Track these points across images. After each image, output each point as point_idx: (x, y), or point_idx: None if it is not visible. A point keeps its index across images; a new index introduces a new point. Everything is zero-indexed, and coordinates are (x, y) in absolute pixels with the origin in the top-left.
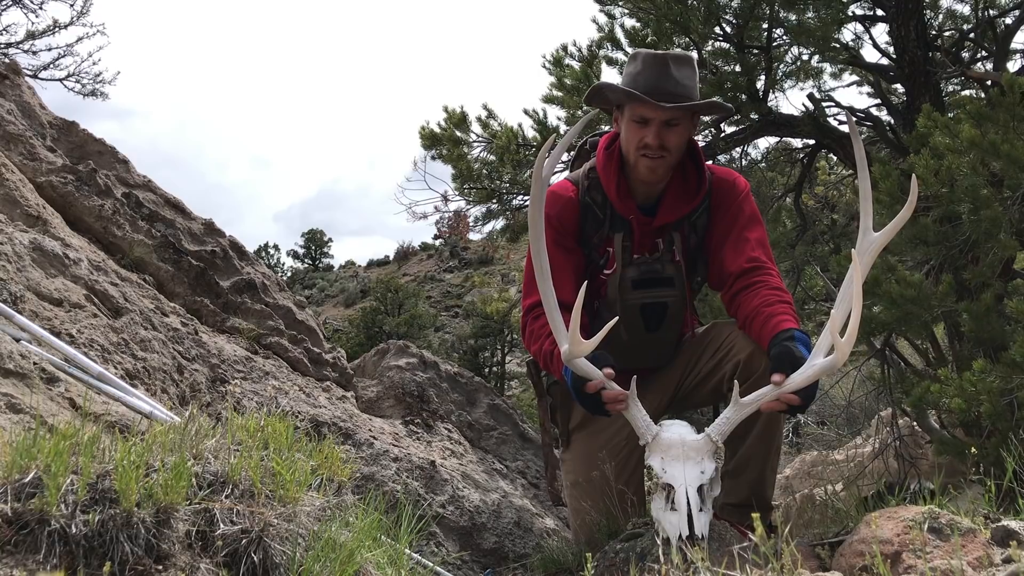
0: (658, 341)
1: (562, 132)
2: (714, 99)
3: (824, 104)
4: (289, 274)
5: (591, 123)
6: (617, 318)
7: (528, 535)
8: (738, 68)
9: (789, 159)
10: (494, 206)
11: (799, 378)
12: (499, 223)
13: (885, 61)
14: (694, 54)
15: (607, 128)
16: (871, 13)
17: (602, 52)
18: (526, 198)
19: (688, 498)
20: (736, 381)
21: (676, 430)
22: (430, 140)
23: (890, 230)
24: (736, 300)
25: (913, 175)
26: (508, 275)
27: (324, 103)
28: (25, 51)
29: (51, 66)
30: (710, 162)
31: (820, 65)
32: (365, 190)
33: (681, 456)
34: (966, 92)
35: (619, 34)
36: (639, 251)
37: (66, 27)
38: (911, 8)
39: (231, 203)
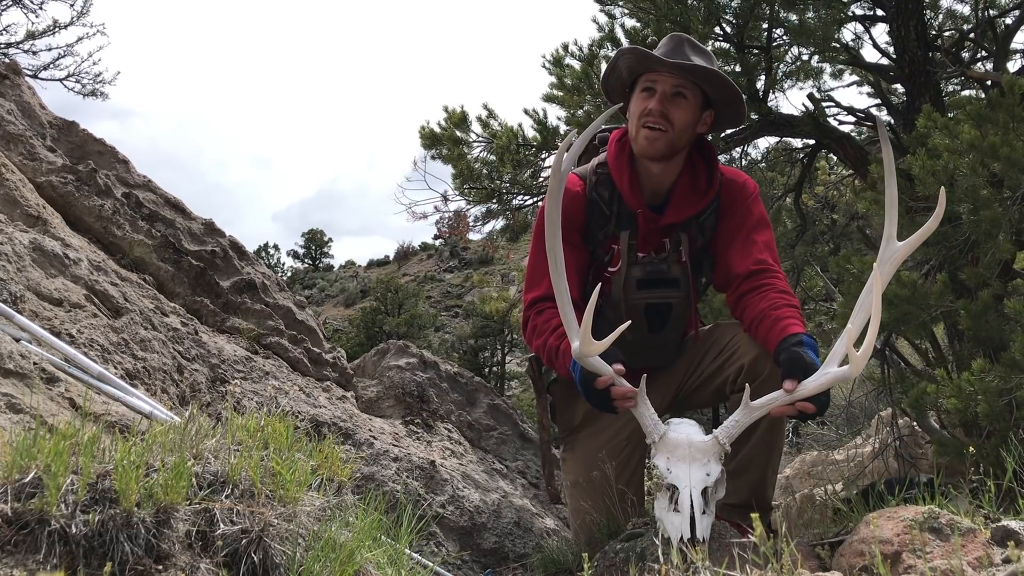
0: (661, 342)
1: (562, 132)
2: (722, 74)
3: (824, 104)
4: (289, 274)
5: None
6: (629, 322)
7: (528, 535)
8: (738, 68)
9: (789, 159)
10: (494, 206)
11: (811, 385)
12: (499, 223)
13: (885, 61)
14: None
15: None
16: (871, 13)
17: (602, 52)
18: (526, 198)
19: (692, 500)
20: (748, 385)
21: (684, 430)
22: (430, 140)
23: (915, 240)
24: (742, 302)
25: (942, 188)
26: (508, 275)
27: (323, 103)
28: (25, 51)
29: (51, 66)
30: None
31: (820, 65)
32: (364, 190)
33: (687, 457)
34: (966, 92)
35: (619, 34)
36: (644, 250)
37: (66, 27)
38: (911, 8)
39: (231, 203)
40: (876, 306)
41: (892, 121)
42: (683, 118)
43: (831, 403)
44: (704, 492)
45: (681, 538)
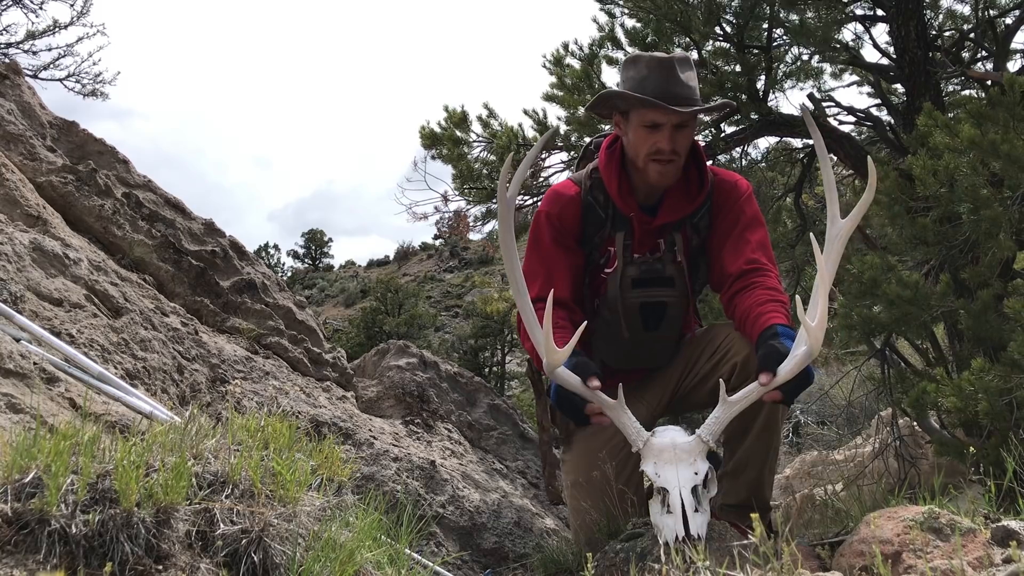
0: (657, 341)
1: (562, 132)
2: (724, 100)
3: (824, 104)
4: (289, 274)
5: (593, 124)
6: (585, 323)
7: (528, 535)
8: (738, 68)
9: (789, 159)
10: (494, 206)
11: (783, 372)
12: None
13: (885, 61)
14: (693, 54)
15: (606, 127)
16: (871, 13)
17: (602, 51)
18: (526, 198)
19: (682, 500)
20: (722, 380)
21: (668, 434)
22: (430, 140)
23: (856, 215)
24: (733, 301)
25: (869, 158)
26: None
27: (321, 104)
28: (25, 51)
29: (51, 66)
30: (709, 162)
31: (820, 65)
32: (360, 190)
33: (673, 459)
34: (966, 92)
35: (619, 34)
36: (640, 250)
37: (66, 27)
38: (911, 8)
39: (231, 203)
40: (821, 275)
41: (892, 121)
42: (687, 142)
43: (832, 403)
44: (695, 491)
45: (677, 537)
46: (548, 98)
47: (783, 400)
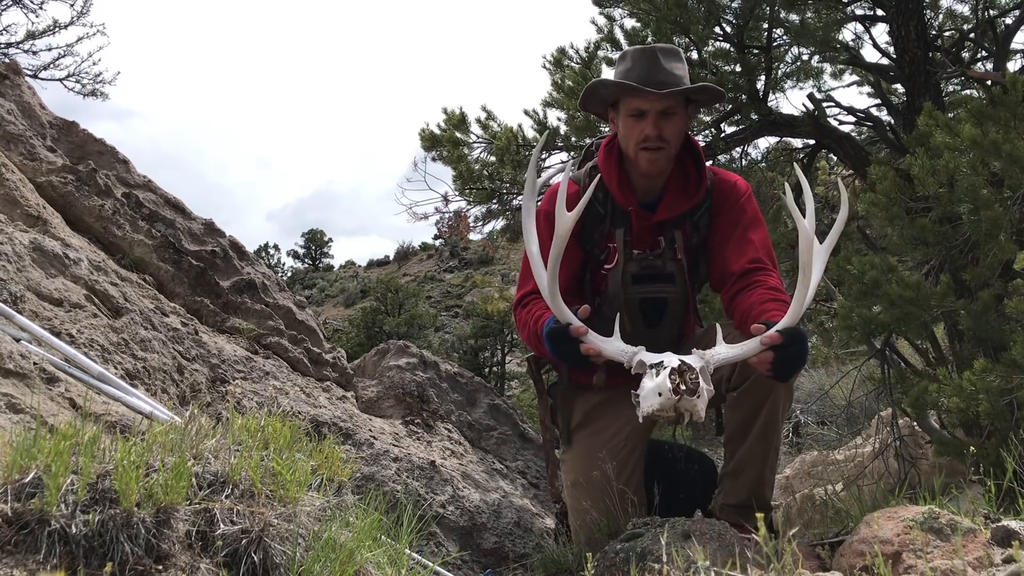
0: (657, 338)
1: (562, 132)
2: (707, 83)
3: (824, 104)
4: (289, 274)
5: (593, 127)
6: (600, 176)
7: (528, 535)
8: (738, 68)
9: (789, 159)
10: (494, 206)
11: (783, 322)
12: (499, 223)
13: (885, 61)
14: (693, 54)
15: (605, 128)
16: (871, 13)
17: (601, 53)
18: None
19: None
20: (718, 325)
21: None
22: (430, 141)
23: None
24: (734, 300)
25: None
26: (508, 275)
27: (322, 104)
28: (25, 51)
29: (51, 66)
30: (709, 163)
31: (820, 65)
32: (360, 190)
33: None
34: (966, 92)
35: (618, 35)
36: (640, 247)
37: (66, 27)
38: (911, 8)
39: (231, 203)
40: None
41: (892, 121)
42: (676, 131)
43: (832, 403)
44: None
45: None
46: (547, 103)
47: (773, 368)
